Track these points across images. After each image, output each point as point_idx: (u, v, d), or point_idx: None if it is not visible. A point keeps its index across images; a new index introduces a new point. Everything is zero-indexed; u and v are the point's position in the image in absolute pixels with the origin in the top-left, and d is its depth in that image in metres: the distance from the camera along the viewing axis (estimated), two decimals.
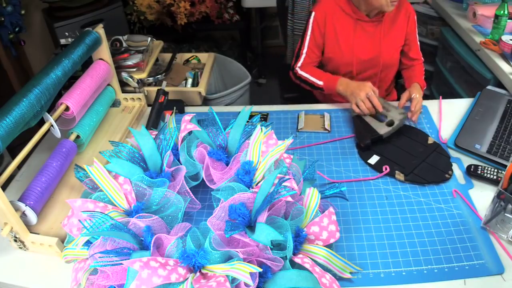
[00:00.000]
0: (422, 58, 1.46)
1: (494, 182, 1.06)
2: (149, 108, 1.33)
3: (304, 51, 1.43)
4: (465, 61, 1.78)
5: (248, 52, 2.98)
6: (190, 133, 1.07)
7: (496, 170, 1.08)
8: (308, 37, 1.41)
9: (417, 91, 1.31)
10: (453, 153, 1.18)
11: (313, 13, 1.38)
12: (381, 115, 1.25)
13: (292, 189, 0.87)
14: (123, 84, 1.41)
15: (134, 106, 1.39)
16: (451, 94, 1.97)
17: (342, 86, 1.31)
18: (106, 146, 1.21)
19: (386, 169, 1.11)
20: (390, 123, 1.22)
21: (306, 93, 1.66)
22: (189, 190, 0.99)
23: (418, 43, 1.45)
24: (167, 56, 1.68)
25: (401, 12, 1.38)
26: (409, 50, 1.44)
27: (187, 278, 0.77)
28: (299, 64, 1.44)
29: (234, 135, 1.04)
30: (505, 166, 1.09)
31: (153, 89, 1.41)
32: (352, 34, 1.37)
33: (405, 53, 1.46)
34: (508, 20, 1.56)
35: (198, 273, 0.78)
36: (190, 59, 1.75)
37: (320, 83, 1.37)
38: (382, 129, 1.21)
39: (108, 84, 1.33)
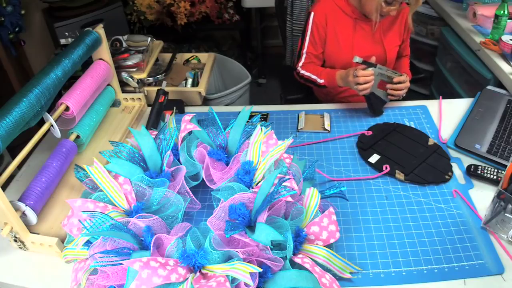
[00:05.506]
0: (409, 53, 1.53)
1: (494, 182, 1.06)
2: (149, 108, 1.33)
3: (304, 51, 1.46)
4: (465, 61, 1.78)
5: (248, 52, 2.98)
6: (190, 133, 1.07)
7: (496, 170, 1.08)
8: (308, 37, 1.43)
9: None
10: (453, 153, 1.18)
11: (312, 14, 1.40)
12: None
13: (292, 189, 0.87)
14: (123, 84, 1.41)
15: (134, 106, 1.39)
16: (451, 94, 1.97)
17: (341, 81, 1.35)
18: (106, 146, 1.21)
19: (386, 168, 1.11)
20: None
21: (308, 95, 1.66)
22: (189, 190, 0.99)
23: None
24: (167, 56, 1.68)
25: (399, 13, 1.40)
26: (404, 48, 1.50)
27: (187, 278, 0.77)
28: (300, 64, 1.47)
29: (234, 135, 1.04)
30: (505, 166, 1.09)
31: (153, 89, 1.41)
32: (351, 33, 1.40)
33: (399, 51, 1.50)
34: (508, 20, 1.56)
35: (198, 273, 0.78)
36: (190, 59, 1.75)
37: (321, 81, 1.41)
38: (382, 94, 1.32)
39: (108, 84, 1.33)
